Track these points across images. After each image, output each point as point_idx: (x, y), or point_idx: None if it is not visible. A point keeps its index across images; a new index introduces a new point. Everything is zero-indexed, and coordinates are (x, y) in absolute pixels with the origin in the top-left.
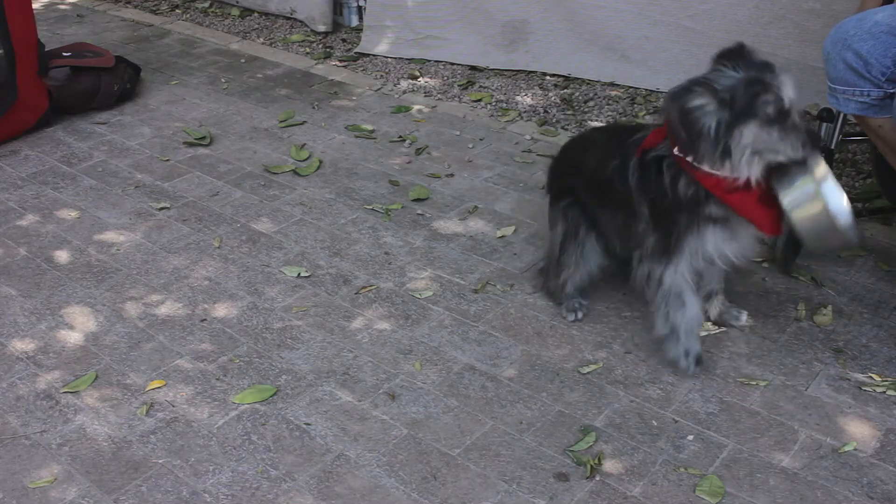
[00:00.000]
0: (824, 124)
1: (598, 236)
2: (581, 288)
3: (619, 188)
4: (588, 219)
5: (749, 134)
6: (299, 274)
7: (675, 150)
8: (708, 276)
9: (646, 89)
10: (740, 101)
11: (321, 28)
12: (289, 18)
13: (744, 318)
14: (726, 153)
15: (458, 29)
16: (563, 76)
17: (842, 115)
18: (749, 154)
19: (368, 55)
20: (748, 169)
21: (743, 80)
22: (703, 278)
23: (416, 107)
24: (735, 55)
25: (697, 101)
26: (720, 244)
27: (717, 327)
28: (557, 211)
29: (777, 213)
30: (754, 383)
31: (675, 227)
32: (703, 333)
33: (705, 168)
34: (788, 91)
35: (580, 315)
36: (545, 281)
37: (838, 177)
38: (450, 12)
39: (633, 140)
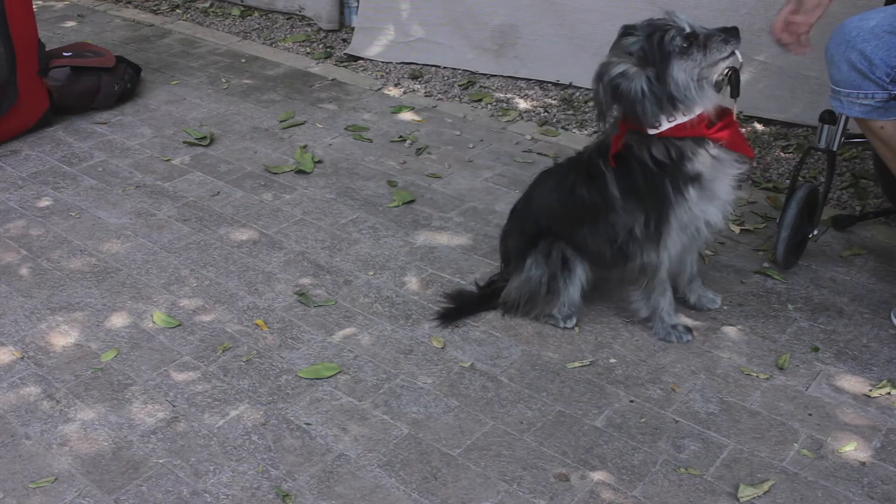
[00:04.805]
0: (826, 126)
1: (580, 259)
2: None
3: (593, 204)
4: (571, 249)
5: (679, 71)
6: (298, 274)
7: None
8: (689, 259)
9: None
10: (652, 52)
11: (327, 26)
12: (289, 18)
13: (718, 300)
14: (671, 100)
15: (448, 33)
16: (552, 82)
17: (844, 117)
18: (694, 86)
19: (361, 58)
20: (703, 98)
21: (643, 37)
22: (683, 261)
23: (417, 107)
24: (629, 28)
25: (618, 69)
26: (704, 205)
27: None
28: (538, 255)
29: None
30: (754, 383)
31: (662, 201)
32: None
33: (665, 124)
34: (680, 18)
35: (575, 320)
36: (530, 311)
37: (839, 177)
38: (440, 16)
39: (586, 158)
